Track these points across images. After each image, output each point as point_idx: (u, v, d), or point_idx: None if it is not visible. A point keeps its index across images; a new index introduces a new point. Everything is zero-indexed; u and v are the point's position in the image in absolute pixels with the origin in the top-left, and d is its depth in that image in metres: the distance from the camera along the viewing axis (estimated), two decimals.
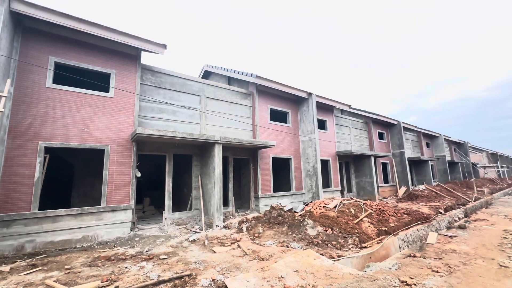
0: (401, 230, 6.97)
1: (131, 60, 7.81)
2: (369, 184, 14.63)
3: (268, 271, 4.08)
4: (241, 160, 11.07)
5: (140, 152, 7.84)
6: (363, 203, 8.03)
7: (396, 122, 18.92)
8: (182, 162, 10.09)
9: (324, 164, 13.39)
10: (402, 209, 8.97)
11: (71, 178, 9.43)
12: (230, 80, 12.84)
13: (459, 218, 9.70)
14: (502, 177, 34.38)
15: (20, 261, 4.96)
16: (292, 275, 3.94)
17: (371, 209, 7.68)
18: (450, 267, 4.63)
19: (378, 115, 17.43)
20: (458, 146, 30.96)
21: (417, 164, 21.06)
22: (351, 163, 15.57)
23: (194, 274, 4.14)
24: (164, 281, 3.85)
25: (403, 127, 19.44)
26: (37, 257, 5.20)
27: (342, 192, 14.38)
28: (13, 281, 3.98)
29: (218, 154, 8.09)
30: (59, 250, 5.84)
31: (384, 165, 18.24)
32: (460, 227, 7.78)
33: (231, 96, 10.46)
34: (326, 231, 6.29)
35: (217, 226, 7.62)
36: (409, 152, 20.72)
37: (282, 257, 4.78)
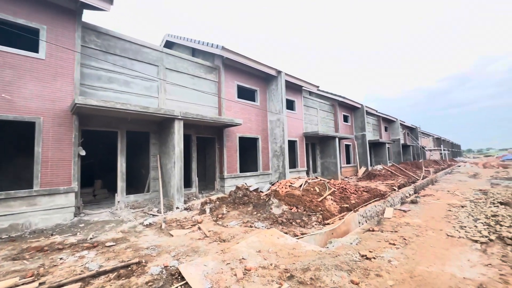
0: (361, 207, 7.23)
1: (68, 16, 6.43)
2: (333, 165, 15.16)
3: (229, 253, 3.77)
4: (206, 139, 10.43)
5: (84, 127, 6.76)
6: (327, 182, 8.15)
7: (360, 106, 19.66)
8: (139, 140, 9.12)
9: (291, 144, 13.39)
10: (362, 187, 9.36)
11: None
12: (194, 53, 11.76)
13: (409, 194, 10.53)
14: (444, 158, 38.98)
15: None
16: (254, 256, 3.69)
17: (335, 188, 7.82)
18: (405, 239, 4.83)
19: (344, 98, 17.86)
20: (411, 130, 33.88)
21: (376, 146, 22.49)
22: (317, 144, 15.90)
23: (144, 261, 3.65)
24: (105, 272, 3.30)
25: (366, 111, 20.34)
26: None
27: (307, 172, 14.70)
28: None
29: (178, 131, 7.36)
30: None
31: (347, 146, 19.07)
32: (413, 202, 8.39)
33: (194, 69, 9.54)
34: (291, 209, 6.19)
35: (177, 208, 7.09)
36: (370, 135, 21.94)
37: (245, 237, 4.51)
